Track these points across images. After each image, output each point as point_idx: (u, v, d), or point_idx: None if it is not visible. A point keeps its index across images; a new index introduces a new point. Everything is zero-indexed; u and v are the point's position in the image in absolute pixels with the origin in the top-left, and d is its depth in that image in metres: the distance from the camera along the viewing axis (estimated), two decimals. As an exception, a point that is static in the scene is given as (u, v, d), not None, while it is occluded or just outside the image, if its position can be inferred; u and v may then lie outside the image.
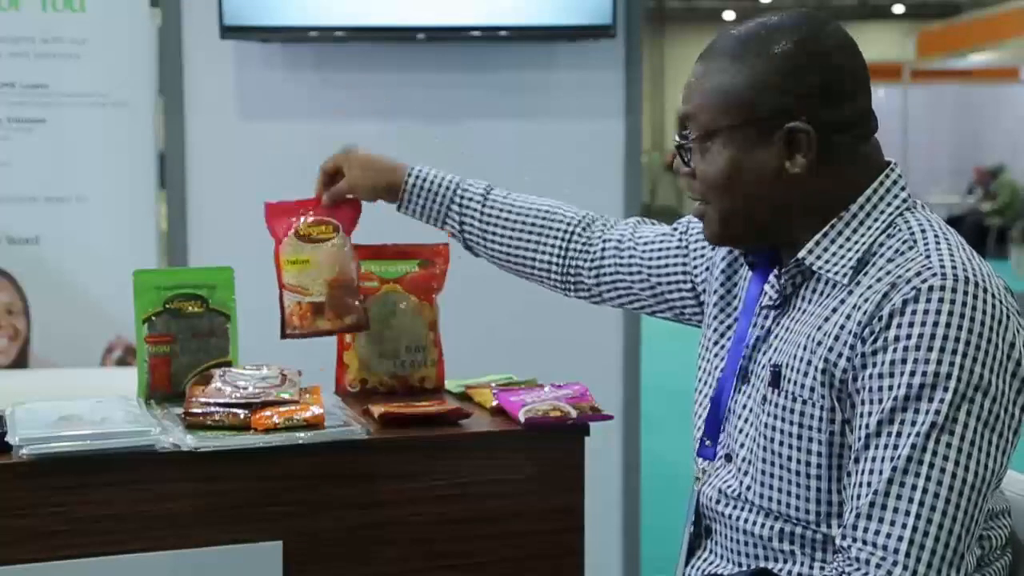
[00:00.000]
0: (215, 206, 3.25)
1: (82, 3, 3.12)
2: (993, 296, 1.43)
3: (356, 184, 1.98)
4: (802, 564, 1.53)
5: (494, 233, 1.97)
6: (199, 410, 1.71)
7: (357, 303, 1.96)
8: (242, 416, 1.70)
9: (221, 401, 1.72)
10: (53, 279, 3.13)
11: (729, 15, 21.64)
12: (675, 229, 1.88)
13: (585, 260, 1.93)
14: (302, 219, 1.98)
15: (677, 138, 1.63)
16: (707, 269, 1.79)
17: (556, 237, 1.95)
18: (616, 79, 3.39)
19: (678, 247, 1.85)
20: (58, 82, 3.12)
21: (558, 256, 1.95)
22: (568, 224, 1.95)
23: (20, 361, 3.12)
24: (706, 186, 1.58)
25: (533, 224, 1.96)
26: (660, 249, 1.86)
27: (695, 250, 1.82)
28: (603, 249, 1.92)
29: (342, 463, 1.71)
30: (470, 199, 1.98)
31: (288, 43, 3.23)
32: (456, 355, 2.07)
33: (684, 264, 1.84)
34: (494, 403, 1.86)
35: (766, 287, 1.63)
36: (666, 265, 1.85)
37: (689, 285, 1.83)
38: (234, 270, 1.94)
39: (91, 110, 3.13)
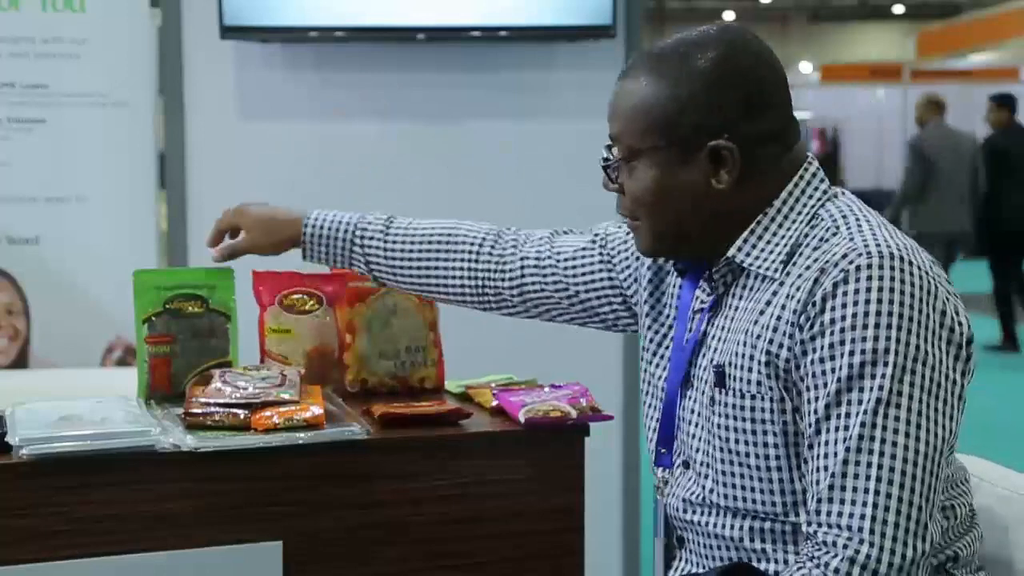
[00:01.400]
0: (215, 206, 3.20)
1: (82, 3, 3.12)
2: (919, 268, 1.46)
3: (256, 244, 1.96)
4: (775, 562, 1.54)
5: (400, 264, 1.93)
6: (199, 410, 1.71)
7: (335, 372, 2.00)
8: (242, 416, 1.70)
9: (221, 401, 1.72)
10: (53, 279, 3.13)
11: (729, 15, 21.66)
12: (593, 242, 1.87)
13: (503, 279, 1.91)
14: (288, 289, 2.00)
15: (602, 157, 1.64)
16: (635, 280, 1.79)
17: (462, 258, 1.93)
18: (616, 79, 3.39)
19: (600, 261, 1.85)
20: (58, 82, 3.11)
21: (468, 275, 1.92)
22: (472, 243, 1.93)
23: (20, 361, 3.11)
24: (635, 204, 1.60)
25: (437, 248, 1.93)
26: (583, 265, 1.86)
27: (620, 262, 1.82)
28: (522, 268, 1.90)
29: (342, 463, 1.71)
30: (371, 236, 1.94)
31: (288, 43, 3.23)
32: (456, 355, 2.07)
33: (610, 277, 1.83)
34: (494, 403, 1.86)
35: (697, 291, 1.64)
36: (592, 280, 1.85)
37: (620, 297, 1.83)
38: (234, 271, 1.94)
39: (91, 110, 3.13)
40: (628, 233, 1.81)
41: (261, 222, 1.97)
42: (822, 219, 1.54)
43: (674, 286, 1.72)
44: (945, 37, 17.48)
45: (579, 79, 3.38)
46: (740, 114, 1.53)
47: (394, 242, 1.94)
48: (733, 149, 1.53)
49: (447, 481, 1.75)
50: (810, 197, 1.57)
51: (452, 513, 1.76)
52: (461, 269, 1.92)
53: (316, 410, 1.72)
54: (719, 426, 1.56)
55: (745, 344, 1.53)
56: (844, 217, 1.53)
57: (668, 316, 1.72)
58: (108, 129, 3.14)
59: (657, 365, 1.72)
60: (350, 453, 1.71)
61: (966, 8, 18.90)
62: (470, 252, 1.92)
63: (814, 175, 1.59)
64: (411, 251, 1.93)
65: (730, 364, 1.55)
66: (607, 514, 3.40)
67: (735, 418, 1.54)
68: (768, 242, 1.55)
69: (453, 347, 2.06)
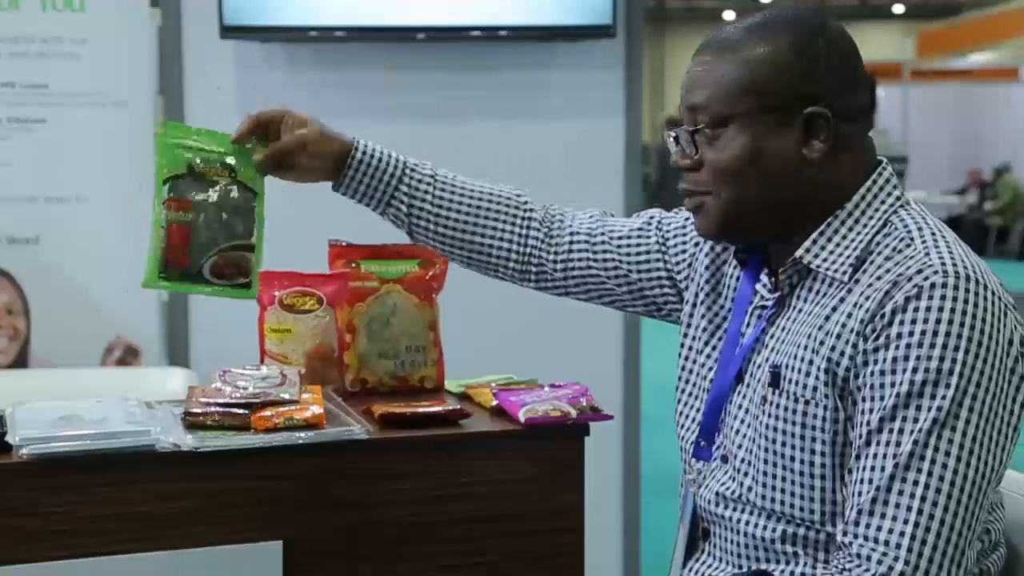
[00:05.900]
0: (215, 206, 3.24)
1: (82, 3, 3.12)
2: (992, 292, 1.44)
3: (303, 142, 1.79)
4: (804, 564, 1.53)
5: (447, 217, 1.83)
6: (199, 410, 1.71)
7: (335, 372, 1.99)
8: (242, 416, 1.70)
9: (221, 401, 1.72)
10: (53, 279, 3.13)
11: (729, 15, 21.65)
12: (648, 224, 1.84)
13: (549, 253, 1.86)
14: (287, 289, 1.98)
15: (673, 132, 1.60)
16: (689, 265, 1.77)
17: (514, 222, 1.85)
18: (616, 79, 3.39)
19: (656, 243, 1.82)
20: (58, 82, 3.12)
21: (519, 241, 1.85)
22: (524, 208, 1.87)
23: (20, 361, 3.12)
24: (716, 175, 1.55)
25: (489, 208, 1.85)
26: (638, 245, 1.83)
27: (673, 246, 1.80)
28: (571, 242, 1.85)
29: (342, 463, 1.71)
30: (419, 180, 1.82)
31: (288, 43, 3.23)
32: (456, 355, 2.07)
33: (663, 261, 1.81)
34: (494, 403, 1.86)
35: (758, 287, 1.63)
36: (647, 262, 1.82)
37: (670, 281, 1.81)
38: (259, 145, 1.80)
39: (91, 110, 3.13)
40: (687, 218, 1.78)
41: (310, 123, 1.80)
42: (895, 227, 1.52)
43: (732, 277, 1.69)
44: (945, 37, 17.49)
45: (579, 79, 3.38)
46: (835, 85, 1.52)
47: (442, 189, 1.84)
48: (829, 116, 1.51)
49: (447, 481, 1.75)
50: (882, 202, 1.54)
51: (452, 513, 1.76)
52: (512, 233, 1.85)
53: (316, 410, 1.72)
54: (767, 426, 1.54)
55: (806, 348, 1.50)
56: (919, 229, 1.51)
57: (723, 308, 1.70)
58: (108, 129, 3.14)
59: (708, 356, 1.69)
60: (350, 453, 1.71)
61: (966, 8, 18.90)
62: (524, 217, 1.86)
63: (887, 180, 1.57)
64: (460, 205, 1.84)
65: (787, 366, 1.52)
66: (607, 514, 3.40)
67: (785, 420, 1.52)
68: (838, 244, 1.53)
69: (453, 347, 2.06)
